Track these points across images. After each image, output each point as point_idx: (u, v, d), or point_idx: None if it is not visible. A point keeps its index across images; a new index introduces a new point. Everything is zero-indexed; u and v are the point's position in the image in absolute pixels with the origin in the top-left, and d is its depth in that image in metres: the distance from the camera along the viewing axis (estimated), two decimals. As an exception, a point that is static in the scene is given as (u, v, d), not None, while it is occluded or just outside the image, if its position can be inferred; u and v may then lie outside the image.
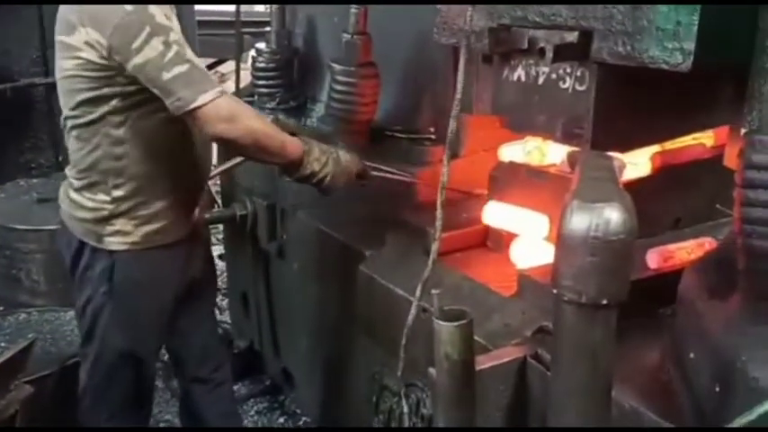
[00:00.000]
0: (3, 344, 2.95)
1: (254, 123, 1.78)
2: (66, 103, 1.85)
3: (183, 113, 1.69)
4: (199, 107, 1.67)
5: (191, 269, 2.07)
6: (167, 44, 1.67)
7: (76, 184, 1.90)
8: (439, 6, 1.82)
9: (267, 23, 2.89)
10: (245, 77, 3.06)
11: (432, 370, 1.31)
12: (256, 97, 2.81)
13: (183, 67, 1.68)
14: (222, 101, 1.70)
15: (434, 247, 1.54)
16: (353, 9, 2.29)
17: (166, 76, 1.67)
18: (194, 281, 2.10)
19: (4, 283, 3.26)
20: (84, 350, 2.03)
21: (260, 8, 5.81)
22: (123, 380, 2.01)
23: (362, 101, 2.28)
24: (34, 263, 3.18)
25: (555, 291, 1.02)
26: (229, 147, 1.91)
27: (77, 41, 1.73)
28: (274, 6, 2.81)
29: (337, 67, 2.31)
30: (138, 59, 1.67)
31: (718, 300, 1.22)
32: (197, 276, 2.11)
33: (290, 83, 2.77)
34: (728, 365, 1.07)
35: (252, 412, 2.80)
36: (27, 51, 3.71)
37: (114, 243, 1.89)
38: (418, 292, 1.53)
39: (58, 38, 1.80)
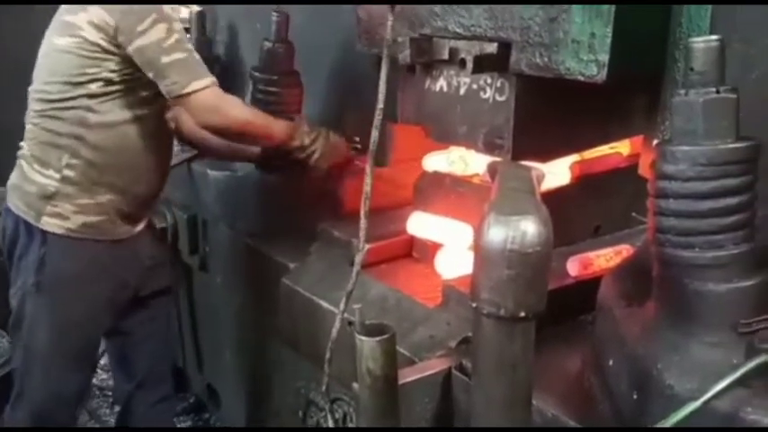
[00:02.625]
0: None
1: (240, 112, 1.90)
2: (41, 77, 1.91)
3: (175, 97, 1.81)
4: (189, 93, 1.79)
5: (129, 273, 2.05)
6: (170, 31, 1.80)
7: (30, 157, 1.93)
8: (359, 15, 1.81)
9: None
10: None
11: (355, 385, 1.29)
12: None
13: (182, 54, 1.80)
14: (210, 91, 1.82)
15: (358, 258, 1.52)
16: (275, 17, 2.25)
17: (165, 59, 1.78)
18: (141, 286, 2.09)
19: None
20: (14, 337, 2.05)
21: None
22: (52, 378, 1.99)
23: (285, 109, 2.23)
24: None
25: (474, 304, 1.02)
26: (220, 135, 1.97)
27: (80, 20, 1.82)
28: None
29: (259, 75, 2.26)
30: (141, 41, 1.78)
31: (635, 307, 1.24)
32: (141, 282, 2.09)
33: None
34: (645, 373, 1.09)
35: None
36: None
37: (51, 224, 1.90)
38: (342, 305, 1.51)
39: (61, 17, 1.88)
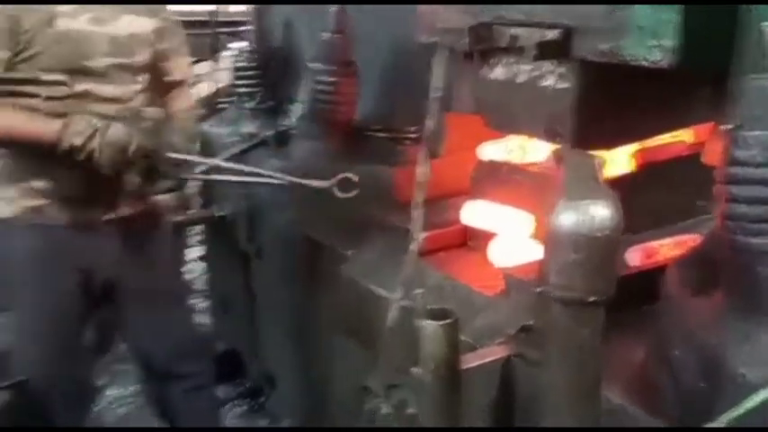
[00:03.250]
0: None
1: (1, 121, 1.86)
2: None
3: None
4: None
5: (91, 262, 2.03)
6: None
7: None
8: (419, 5, 1.82)
9: (241, 23, 2.87)
10: (222, 78, 3.04)
11: (416, 370, 1.30)
12: (236, 97, 2.79)
13: None
14: None
15: (413, 245, 1.53)
16: (332, 8, 2.27)
17: None
18: (124, 277, 2.09)
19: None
20: None
21: (234, 8, 5.78)
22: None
23: (342, 100, 2.26)
24: None
25: (541, 288, 1.02)
26: None
27: None
28: (253, 6, 2.78)
29: (316, 66, 2.29)
30: None
31: (703, 296, 1.22)
32: (113, 273, 2.07)
33: (269, 83, 2.75)
34: (714, 362, 1.07)
35: (231, 415, 2.77)
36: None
37: None
38: (399, 292, 1.52)
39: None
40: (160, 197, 2.19)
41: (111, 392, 2.90)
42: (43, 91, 1.89)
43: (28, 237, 1.95)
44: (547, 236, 1.02)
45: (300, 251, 2.28)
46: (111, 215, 2.04)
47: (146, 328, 2.17)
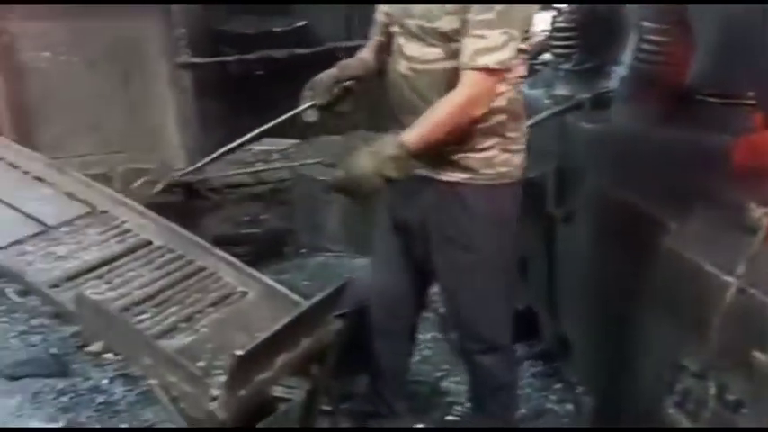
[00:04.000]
0: (305, 282, 3.32)
1: None
2: None
3: None
4: None
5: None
6: None
7: None
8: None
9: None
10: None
11: (759, 354, 1.21)
12: (551, 57, 2.76)
13: None
14: None
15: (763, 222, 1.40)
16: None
17: None
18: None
19: (308, 229, 3.63)
20: None
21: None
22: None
23: (672, 61, 2.12)
24: (333, 213, 3.50)
25: None
26: None
27: None
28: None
29: (648, 25, 2.17)
30: None
31: None
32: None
33: (588, 43, 2.68)
34: None
35: (527, 374, 2.81)
36: (333, 17, 4.02)
37: None
38: (740, 270, 1.41)
39: None
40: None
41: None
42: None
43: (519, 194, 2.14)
44: None
45: (615, 218, 2.21)
46: None
47: (445, 286, 2.25)
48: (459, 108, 1.88)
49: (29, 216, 2.25)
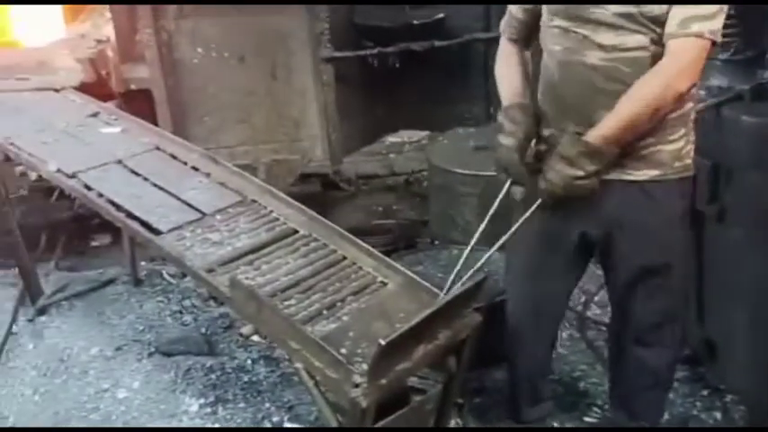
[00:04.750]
0: (439, 274, 3.33)
1: None
2: None
3: None
4: None
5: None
6: None
7: None
8: None
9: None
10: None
11: None
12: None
13: None
14: None
15: None
16: None
17: None
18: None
19: (441, 221, 3.64)
20: None
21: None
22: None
23: None
24: (468, 205, 3.48)
25: None
26: None
27: None
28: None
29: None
30: None
31: None
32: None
33: (748, 31, 2.50)
34: None
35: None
36: (473, 8, 4.00)
37: None
38: None
39: None
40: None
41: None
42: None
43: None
44: None
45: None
46: None
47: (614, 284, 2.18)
48: (666, 81, 1.79)
49: (187, 204, 2.41)
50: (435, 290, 2.03)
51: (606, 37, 1.86)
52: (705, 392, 2.65)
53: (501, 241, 2.06)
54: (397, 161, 5.00)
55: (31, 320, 3.26)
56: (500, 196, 2.09)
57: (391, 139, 5.04)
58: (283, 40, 3.64)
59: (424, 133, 4.98)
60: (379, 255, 2.18)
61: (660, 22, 1.81)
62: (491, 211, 2.08)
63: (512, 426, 2.45)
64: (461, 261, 2.07)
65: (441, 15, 3.87)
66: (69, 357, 3.00)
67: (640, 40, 1.84)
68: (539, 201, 1.96)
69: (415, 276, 2.09)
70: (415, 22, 3.84)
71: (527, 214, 1.99)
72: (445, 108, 4.25)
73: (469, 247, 2.11)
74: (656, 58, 1.83)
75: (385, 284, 2.08)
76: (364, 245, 2.22)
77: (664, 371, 2.23)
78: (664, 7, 1.79)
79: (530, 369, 2.38)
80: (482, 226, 2.09)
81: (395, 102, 4.12)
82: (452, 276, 2.05)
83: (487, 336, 1.99)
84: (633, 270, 2.07)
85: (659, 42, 1.82)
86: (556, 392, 2.63)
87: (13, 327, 3.20)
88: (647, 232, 1.99)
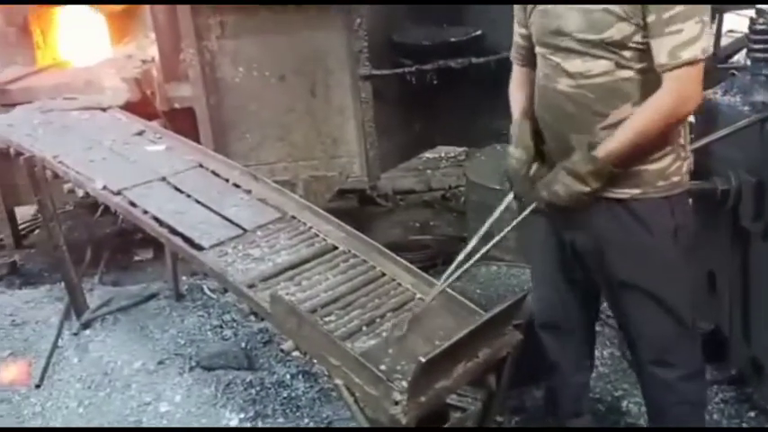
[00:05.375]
0: (477, 291, 3.32)
1: None
2: None
3: None
4: None
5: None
6: None
7: None
8: None
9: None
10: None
11: None
12: (749, 62, 2.57)
13: None
14: None
15: None
16: None
17: None
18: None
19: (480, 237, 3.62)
20: None
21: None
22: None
23: None
24: (506, 222, 3.46)
25: None
26: None
27: None
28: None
29: None
30: None
31: None
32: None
33: (791, 46, 2.47)
34: None
35: (717, 399, 2.63)
36: (507, 25, 4.00)
37: None
38: None
39: None
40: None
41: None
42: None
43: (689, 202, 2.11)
44: None
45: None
46: None
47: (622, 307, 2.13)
48: (669, 110, 1.82)
49: (229, 220, 2.45)
50: (474, 307, 2.03)
51: (574, 64, 1.91)
52: (752, 414, 2.59)
53: (489, 245, 2.16)
54: (435, 177, 5.01)
55: (75, 334, 3.33)
56: (500, 207, 2.22)
57: (428, 154, 5.05)
58: (323, 58, 3.68)
59: (461, 149, 4.98)
60: (418, 271, 2.19)
61: (624, 46, 1.83)
62: (512, 225, 2.13)
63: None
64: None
65: (478, 32, 3.88)
66: (113, 371, 3.06)
67: (605, 65, 1.87)
68: (532, 205, 2.03)
69: (454, 293, 2.09)
70: (453, 39, 3.85)
71: (518, 219, 2.10)
72: (482, 124, 4.23)
73: (470, 247, 2.17)
74: (622, 81, 1.87)
75: (424, 301, 2.09)
76: (403, 261, 2.23)
77: (686, 388, 2.14)
78: (625, 32, 1.81)
79: (557, 380, 2.36)
80: (496, 238, 2.14)
81: (432, 118, 4.13)
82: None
83: (527, 353, 1.98)
84: (622, 286, 2.06)
85: (625, 66, 1.86)
86: (596, 411, 2.59)
87: (59, 341, 3.28)
88: (634, 250, 1.99)
